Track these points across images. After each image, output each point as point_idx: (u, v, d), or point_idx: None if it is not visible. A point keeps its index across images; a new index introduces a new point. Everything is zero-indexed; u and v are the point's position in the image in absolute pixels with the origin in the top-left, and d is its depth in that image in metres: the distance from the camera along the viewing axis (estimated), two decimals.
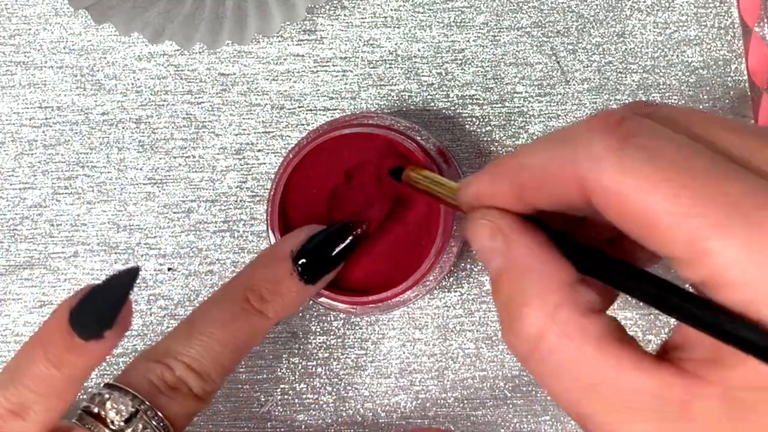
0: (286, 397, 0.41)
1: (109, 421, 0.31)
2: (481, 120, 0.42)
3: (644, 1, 0.42)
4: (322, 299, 0.36)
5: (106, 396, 0.31)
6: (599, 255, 0.24)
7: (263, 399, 0.41)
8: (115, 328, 0.27)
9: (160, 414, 0.31)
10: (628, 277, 0.24)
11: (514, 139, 0.42)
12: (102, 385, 0.32)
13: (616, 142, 0.21)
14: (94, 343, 0.27)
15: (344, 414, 0.41)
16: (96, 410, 0.31)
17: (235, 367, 0.35)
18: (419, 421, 0.41)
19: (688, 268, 0.21)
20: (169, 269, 0.42)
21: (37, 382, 0.28)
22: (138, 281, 0.42)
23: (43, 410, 0.29)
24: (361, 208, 0.36)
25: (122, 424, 0.31)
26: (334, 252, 0.35)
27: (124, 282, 0.27)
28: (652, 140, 0.21)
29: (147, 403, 0.31)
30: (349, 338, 0.41)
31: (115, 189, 0.42)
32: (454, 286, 0.41)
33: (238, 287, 0.34)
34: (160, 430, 0.31)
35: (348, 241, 0.35)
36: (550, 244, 0.25)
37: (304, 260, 0.34)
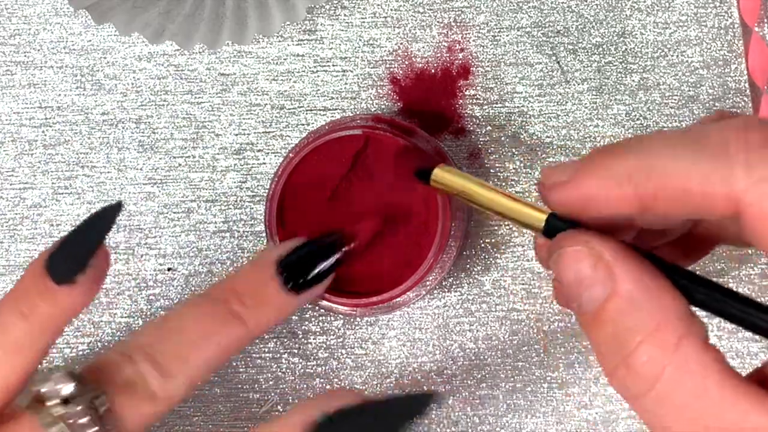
0: (285, 397, 0.41)
1: (47, 399, 0.28)
2: (481, 120, 0.42)
3: (644, 1, 0.42)
4: (324, 301, 0.36)
5: (50, 375, 0.28)
6: (712, 285, 0.23)
7: (263, 399, 0.41)
8: (89, 272, 0.26)
9: (107, 404, 0.28)
10: (750, 310, 0.22)
11: (513, 139, 0.42)
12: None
13: None
14: (66, 288, 0.26)
15: None
16: (37, 388, 0.28)
17: (205, 379, 0.32)
18: (419, 420, 0.41)
19: None
20: (169, 269, 0.42)
21: (1, 336, 0.27)
22: (138, 281, 0.42)
23: (2, 370, 0.27)
24: (361, 209, 0.36)
25: (60, 404, 0.27)
26: (318, 269, 0.33)
27: (99, 226, 0.27)
28: None
29: (94, 389, 0.28)
30: (349, 338, 0.41)
31: (115, 189, 0.42)
32: (454, 286, 0.41)
33: (220, 290, 0.32)
34: (104, 421, 0.28)
35: (332, 260, 0.34)
36: (659, 273, 0.23)
37: (288, 270, 0.33)
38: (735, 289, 0.23)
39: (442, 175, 0.30)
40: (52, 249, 0.27)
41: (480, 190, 0.28)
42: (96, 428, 0.28)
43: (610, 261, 0.22)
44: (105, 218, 0.27)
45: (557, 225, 0.25)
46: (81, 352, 0.42)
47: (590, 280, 0.23)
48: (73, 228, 0.28)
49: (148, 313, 0.42)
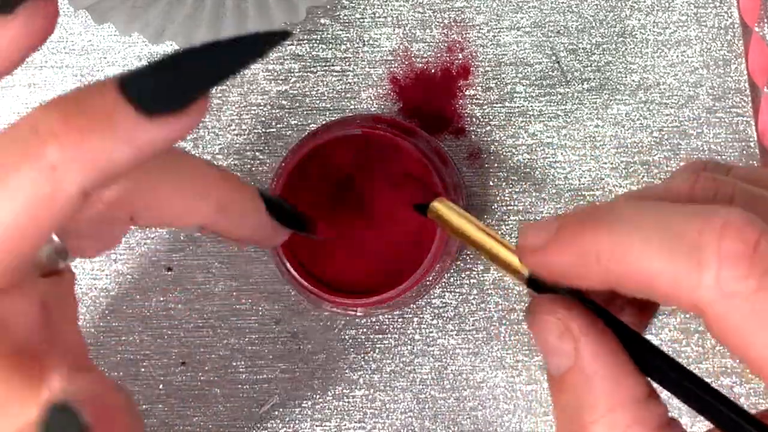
0: (285, 397, 0.41)
1: None
2: (481, 120, 0.42)
3: (644, 1, 0.42)
4: (323, 302, 0.36)
5: None
6: (674, 366, 0.23)
7: (263, 399, 0.41)
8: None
9: None
10: (706, 398, 0.22)
11: (513, 139, 0.42)
12: None
13: (755, 282, 0.19)
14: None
15: (344, 413, 0.41)
16: None
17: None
18: (419, 421, 0.41)
19: None
20: (168, 269, 0.42)
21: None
22: (138, 281, 0.42)
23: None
24: (360, 208, 0.36)
25: None
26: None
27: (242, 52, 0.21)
28: None
29: None
30: (349, 338, 0.41)
31: None
32: (454, 286, 0.41)
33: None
34: None
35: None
36: (622, 353, 0.22)
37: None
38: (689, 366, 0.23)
39: (439, 208, 0.29)
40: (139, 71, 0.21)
41: (473, 231, 0.28)
42: None
43: (576, 335, 0.22)
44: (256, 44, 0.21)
45: (538, 282, 0.25)
46: None
47: (553, 350, 0.23)
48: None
49: (148, 314, 0.42)
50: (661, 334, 0.41)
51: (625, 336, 0.23)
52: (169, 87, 0.21)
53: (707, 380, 0.23)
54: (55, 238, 0.24)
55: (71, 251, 0.25)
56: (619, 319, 0.23)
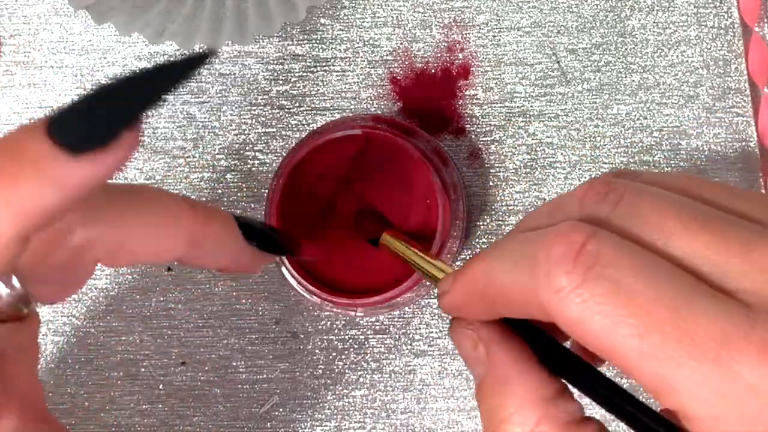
0: (285, 397, 0.41)
1: None
2: (481, 120, 0.42)
3: (644, 1, 0.42)
4: (323, 302, 0.36)
5: None
6: (576, 363, 0.25)
7: (263, 399, 0.41)
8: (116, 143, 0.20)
9: None
10: (604, 391, 0.24)
11: (513, 139, 0.42)
12: None
13: (578, 276, 0.21)
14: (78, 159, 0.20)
15: (344, 413, 0.41)
16: None
17: None
18: (419, 421, 0.41)
19: (657, 397, 0.21)
20: (168, 269, 0.42)
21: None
22: (137, 281, 0.42)
23: None
24: (361, 208, 0.36)
25: None
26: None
27: (160, 80, 0.20)
28: (615, 267, 0.21)
29: None
30: (349, 338, 0.41)
31: None
32: None
33: None
34: None
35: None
36: (530, 357, 0.25)
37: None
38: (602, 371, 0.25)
39: (388, 240, 0.34)
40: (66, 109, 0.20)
41: (416, 259, 0.33)
42: None
43: (486, 343, 0.25)
44: (173, 71, 0.21)
45: None
46: (80, 357, 0.42)
47: (472, 360, 0.26)
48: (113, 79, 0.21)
49: (148, 314, 0.42)
50: None
51: (542, 343, 0.25)
52: (91, 124, 0.21)
53: (619, 379, 0.24)
54: (17, 284, 0.24)
55: (35, 297, 0.25)
56: (535, 326, 0.25)
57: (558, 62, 0.42)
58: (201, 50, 0.22)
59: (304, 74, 0.42)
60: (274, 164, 0.42)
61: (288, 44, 0.42)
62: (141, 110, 0.21)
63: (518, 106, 0.42)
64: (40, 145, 0.21)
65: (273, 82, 0.42)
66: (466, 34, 0.42)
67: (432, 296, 0.41)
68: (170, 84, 0.21)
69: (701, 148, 0.42)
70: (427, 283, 0.37)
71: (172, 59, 0.21)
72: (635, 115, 0.42)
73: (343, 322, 0.41)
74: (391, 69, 0.42)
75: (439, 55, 0.42)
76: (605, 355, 0.21)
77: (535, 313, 0.23)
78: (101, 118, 0.21)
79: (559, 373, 0.25)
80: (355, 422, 0.41)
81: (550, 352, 0.25)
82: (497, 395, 0.24)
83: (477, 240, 0.42)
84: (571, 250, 0.21)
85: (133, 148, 0.21)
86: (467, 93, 0.42)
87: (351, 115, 0.42)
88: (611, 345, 0.21)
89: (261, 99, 0.42)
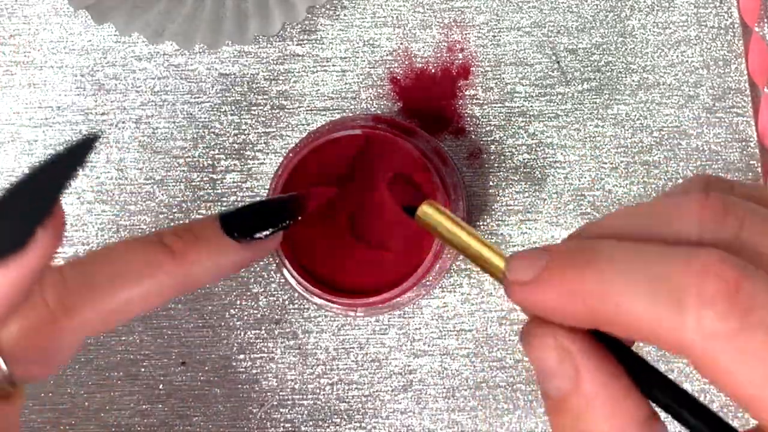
0: (285, 397, 0.41)
1: None
2: (481, 120, 0.42)
3: (644, 1, 0.42)
4: (324, 302, 0.36)
5: None
6: (667, 384, 0.23)
7: (263, 399, 0.41)
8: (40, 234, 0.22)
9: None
10: (701, 417, 0.22)
11: (513, 139, 0.42)
12: None
13: (736, 322, 0.19)
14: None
15: (344, 413, 0.41)
16: None
17: (126, 318, 0.29)
18: (419, 421, 0.41)
19: None
20: None
21: None
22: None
23: None
24: (361, 208, 0.36)
25: None
26: (259, 234, 0.31)
27: (62, 170, 0.22)
28: None
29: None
30: (349, 338, 0.41)
31: (115, 189, 0.42)
32: (454, 286, 0.41)
33: (158, 232, 0.30)
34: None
35: (276, 227, 0.31)
36: (623, 376, 0.22)
37: (227, 217, 0.31)
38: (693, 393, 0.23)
39: (427, 211, 0.29)
40: None
41: (461, 234, 0.28)
42: None
43: (577, 358, 0.22)
44: (70, 159, 0.22)
45: None
46: (80, 357, 0.42)
47: (553, 373, 0.23)
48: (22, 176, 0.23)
49: (148, 314, 0.42)
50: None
51: (624, 357, 0.23)
52: (1, 231, 0.22)
53: (706, 395, 0.23)
54: (3, 366, 0.25)
55: (20, 377, 0.26)
56: (618, 339, 0.23)
57: (558, 62, 0.42)
58: (86, 135, 0.23)
59: (304, 74, 0.42)
60: (274, 164, 0.42)
61: (288, 44, 0.42)
62: (45, 210, 0.22)
63: (518, 106, 0.42)
64: None
65: (273, 82, 0.42)
66: (466, 34, 0.42)
67: (432, 296, 0.41)
68: (70, 174, 0.22)
69: (701, 148, 0.42)
70: (429, 280, 0.37)
71: (65, 149, 0.22)
72: (635, 115, 0.42)
73: (342, 322, 0.41)
74: (391, 69, 0.42)
75: (439, 55, 0.42)
76: (746, 403, 0.20)
77: (661, 344, 0.21)
78: (10, 225, 0.22)
79: (645, 393, 0.23)
80: (355, 422, 0.41)
81: (638, 369, 0.23)
82: (585, 416, 0.22)
83: None
84: (725, 290, 0.19)
85: (54, 244, 0.23)
86: (467, 93, 0.42)
87: (351, 115, 0.42)
88: (761, 399, 0.19)
89: (261, 99, 0.42)
